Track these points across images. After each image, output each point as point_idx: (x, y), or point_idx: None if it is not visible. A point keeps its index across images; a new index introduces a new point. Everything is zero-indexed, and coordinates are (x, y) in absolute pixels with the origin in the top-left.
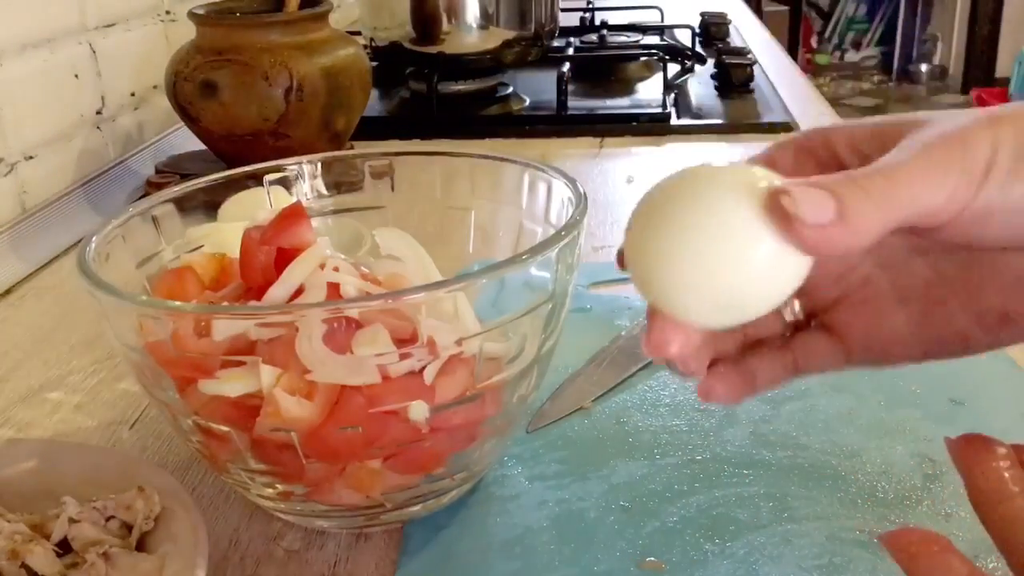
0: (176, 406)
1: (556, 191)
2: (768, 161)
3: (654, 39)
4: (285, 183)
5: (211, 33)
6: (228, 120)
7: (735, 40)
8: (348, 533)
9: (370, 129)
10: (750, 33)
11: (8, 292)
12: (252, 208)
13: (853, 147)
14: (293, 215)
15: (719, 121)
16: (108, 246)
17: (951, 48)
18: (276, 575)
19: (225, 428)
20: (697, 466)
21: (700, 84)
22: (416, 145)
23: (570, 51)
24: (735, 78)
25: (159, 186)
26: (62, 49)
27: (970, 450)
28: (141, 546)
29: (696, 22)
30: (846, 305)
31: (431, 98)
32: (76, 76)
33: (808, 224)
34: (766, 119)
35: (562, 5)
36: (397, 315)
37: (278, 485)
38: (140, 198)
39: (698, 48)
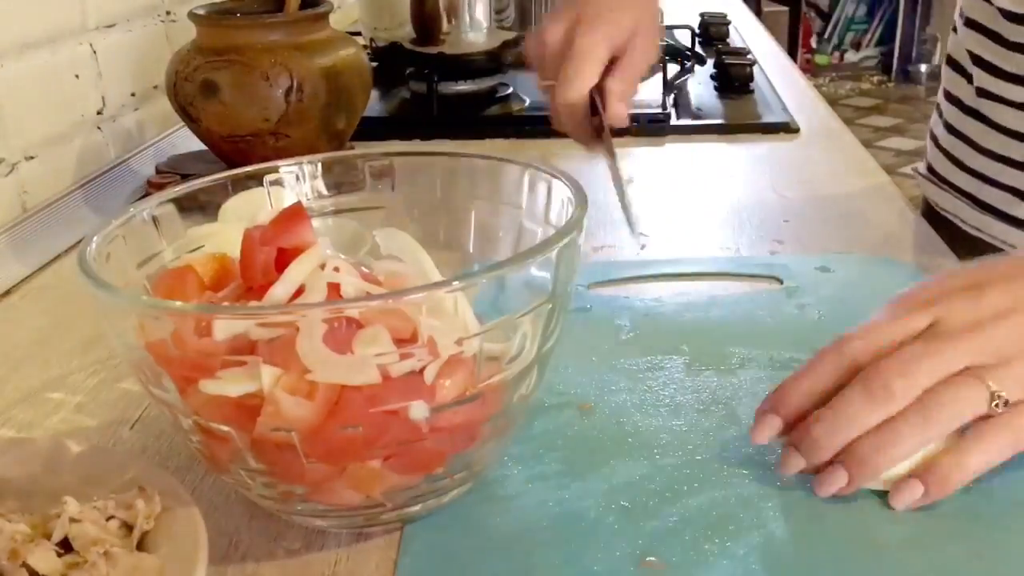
0: (176, 406)
1: (556, 191)
2: None
3: None
4: (285, 183)
5: (211, 33)
6: (229, 120)
7: (735, 40)
8: (348, 533)
9: (370, 129)
10: (750, 33)
11: (8, 292)
12: (252, 208)
13: None
14: (293, 215)
15: (719, 121)
16: (109, 246)
17: None
18: (276, 575)
19: (225, 428)
20: (697, 466)
21: (700, 84)
22: (416, 145)
23: None
24: (735, 78)
25: (160, 186)
26: (62, 49)
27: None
28: (141, 546)
29: (696, 22)
30: None
31: (431, 98)
32: (76, 76)
33: None
34: (766, 119)
35: None
36: (397, 315)
37: (278, 485)
38: (140, 198)
39: (698, 48)
